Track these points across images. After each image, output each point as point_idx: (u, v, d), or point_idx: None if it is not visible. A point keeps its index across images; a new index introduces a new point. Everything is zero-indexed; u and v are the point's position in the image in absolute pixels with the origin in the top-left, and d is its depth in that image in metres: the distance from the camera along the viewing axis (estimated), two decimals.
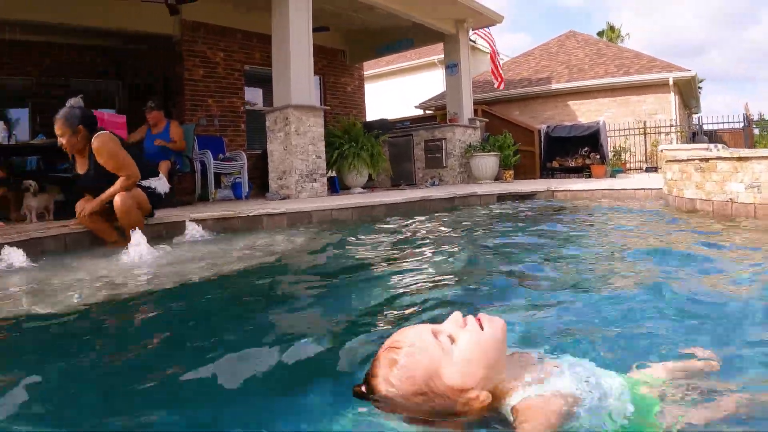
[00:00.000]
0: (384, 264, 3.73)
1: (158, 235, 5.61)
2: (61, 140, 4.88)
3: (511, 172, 12.97)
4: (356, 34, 14.81)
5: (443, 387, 1.30)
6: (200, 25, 11.81)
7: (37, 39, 11.92)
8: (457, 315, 1.39)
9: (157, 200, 5.42)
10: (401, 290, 2.87)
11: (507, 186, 9.87)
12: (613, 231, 5.03)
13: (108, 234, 5.23)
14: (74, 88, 12.11)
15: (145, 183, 5.22)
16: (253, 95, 13.09)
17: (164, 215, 6.00)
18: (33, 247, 4.78)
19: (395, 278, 3.22)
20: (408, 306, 2.50)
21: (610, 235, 4.71)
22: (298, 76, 8.94)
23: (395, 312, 2.44)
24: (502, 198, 8.41)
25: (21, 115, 12.25)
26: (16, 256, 4.32)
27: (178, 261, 4.19)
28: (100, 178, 4.98)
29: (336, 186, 11.02)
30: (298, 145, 8.78)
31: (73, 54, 12.58)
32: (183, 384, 1.71)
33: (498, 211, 7.00)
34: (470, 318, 1.37)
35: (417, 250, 4.19)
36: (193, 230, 5.44)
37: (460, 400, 1.31)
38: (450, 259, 3.72)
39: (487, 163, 12.37)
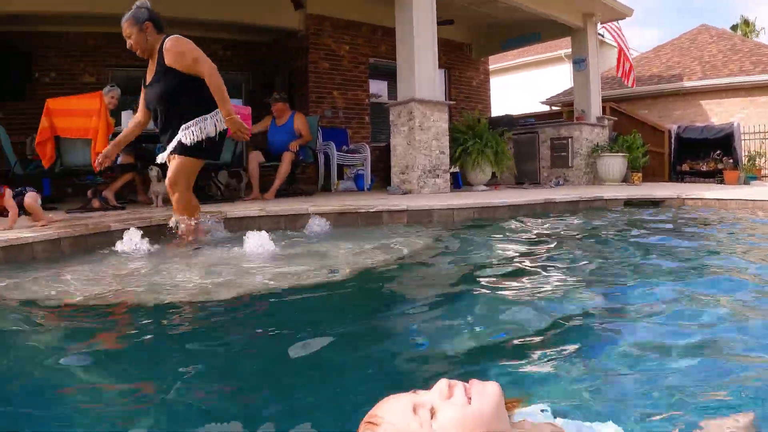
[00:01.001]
0: (507, 271, 3.60)
1: (276, 226, 5.78)
2: (129, 41, 4.82)
3: (639, 174, 12.48)
4: (482, 28, 14.66)
5: None
6: (325, 18, 12.07)
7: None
8: (442, 384, 1.20)
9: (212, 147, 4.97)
10: (521, 304, 2.72)
11: (634, 190, 9.39)
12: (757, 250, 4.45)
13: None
14: None
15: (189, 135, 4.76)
16: (379, 88, 13.24)
17: (285, 207, 6.17)
18: (153, 234, 5.03)
19: (516, 288, 3.10)
20: (527, 323, 2.37)
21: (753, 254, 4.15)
22: (422, 70, 8.92)
23: (512, 328, 2.33)
24: (629, 203, 7.98)
25: None
26: (138, 241, 4.52)
27: (297, 255, 4.18)
28: (168, 83, 4.81)
29: (459, 182, 10.99)
30: (421, 140, 8.77)
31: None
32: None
33: (625, 217, 6.63)
34: (458, 389, 1.18)
35: (540, 258, 4.02)
36: (315, 223, 5.46)
37: None
38: (574, 271, 3.52)
39: (614, 164, 11.98)
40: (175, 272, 3.68)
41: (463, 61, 14.99)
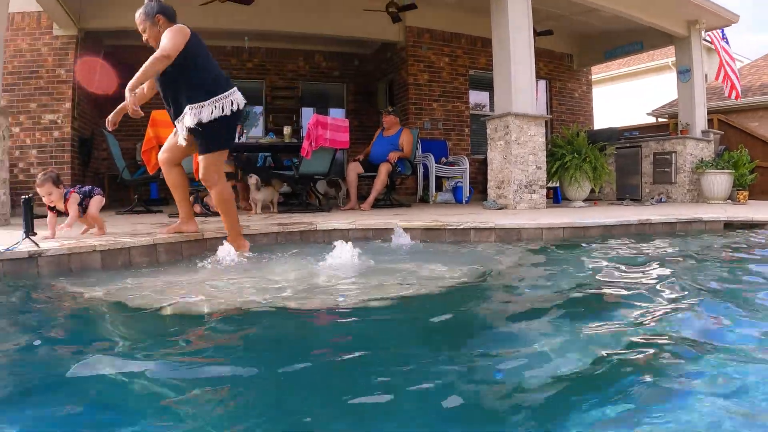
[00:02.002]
0: (589, 298, 3.44)
1: (365, 237, 5.97)
2: (144, 36, 4.99)
3: (746, 192, 12.06)
4: (583, 38, 14.56)
5: None
6: (424, 30, 12.32)
7: (269, 45, 13.39)
8: None
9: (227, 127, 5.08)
10: (603, 335, 2.56)
11: (737, 211, 8.65)
12: None
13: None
14: (303, 90, 13.34)
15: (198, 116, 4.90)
16: (480, 99, 13.30)
17: (374, 221, 6.29)
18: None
19: (597, 317, 2.92)
20: (611, 355, 2.24)
21: None
22: (519, 82, 8.91)
23: (594, 360, 2.20)
24: (729, 226, 7.36)
25: (256, 115, 13.66)
26: (231, 250, 4.76)
27: (378, 270, 4.23)
28: (174, 71, 4.92)
29: (558, 197, 10.98)
30: (518, 154, 8.76)
31: (301, 58, 13.76)
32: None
33: (725, 241, 6.07)
34: None
35: (629, 285, 3.74)
36: (400, 238, 5.56)
37: None
38: (663, 300, 3.23)
39: (719, 181, 11.62)
40: (259, 281, 3.89)
41: (565, 71, 14.89)
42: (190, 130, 4.93)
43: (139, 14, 5.01)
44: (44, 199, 4.99)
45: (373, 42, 13.12)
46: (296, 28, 11.82)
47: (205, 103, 4.90)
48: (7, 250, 4.29)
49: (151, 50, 4.89)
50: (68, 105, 10.78)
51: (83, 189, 5.32)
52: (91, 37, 11.46)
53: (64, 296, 3.63)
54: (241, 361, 2.31)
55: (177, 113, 5.04)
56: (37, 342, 2.61)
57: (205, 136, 4.93)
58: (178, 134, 5.11)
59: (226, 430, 1.66)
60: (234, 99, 5.00)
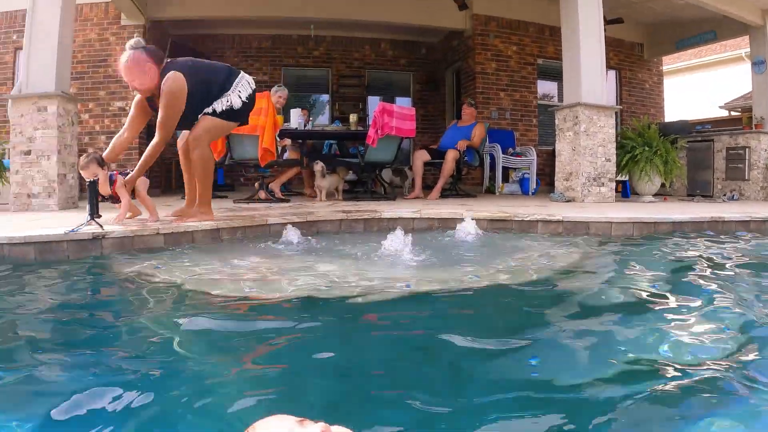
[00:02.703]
0: (656, 296, 3.26)
1: (430, 227, 6.03)
2: (133, 85, 5.03)
3: None
4: (654, 27, 14.23)
5: None
6: (491, 18, 12.25)
7: (335, 34, 13.53)
8: (319, 426, 1.14)
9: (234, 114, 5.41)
10: (665, 337, 2.41)
11: None
12: None
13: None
14: (369, 78, 13.47)
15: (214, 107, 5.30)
16: (549, 89, 13.20)
17: (440, 210, 6.36)
18: (310, 227, 5.56)
19: (660, 318, 2.77)
20: (669, 359, 2.14)
21: None
22: (589, 72, 8.77)
23: (653, 362, 2.11)
24: None
25: (323, 103, 13.84)
26: (294, 235, 5.01)
27: (440, 261, 4.25)
28: (187, 112, 5.14)
29: (627, 191, 10.85)
30: (586, 146, 8.66)
31: (368, 46, 13.86)
32: None
33: None
34: None
35: (697, 285, 3.54)
36: (466, 228, 5.53)
37: None
38: (735, 303, 2.97)
39: None
40: (318, 268, 3.93)
41: (635, 62, 14.59)
42: None
43: (124, 64, 4.98)
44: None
45: (440, 30, 13.14)
46: (362, 16, 11.92)
47: (214, 104, 5.30)
48: (72, 231, 4.45)
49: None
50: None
51: (126, 172, 5.40)
52: (157, 26, 11.73)
53: (133, 278, 3.73)
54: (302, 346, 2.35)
55: (194, 121, 5.34)
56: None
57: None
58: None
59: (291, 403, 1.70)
60: (241, 90, 5.39)
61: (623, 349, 2.27)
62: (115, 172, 5.25)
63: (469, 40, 12.29)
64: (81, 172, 5.05)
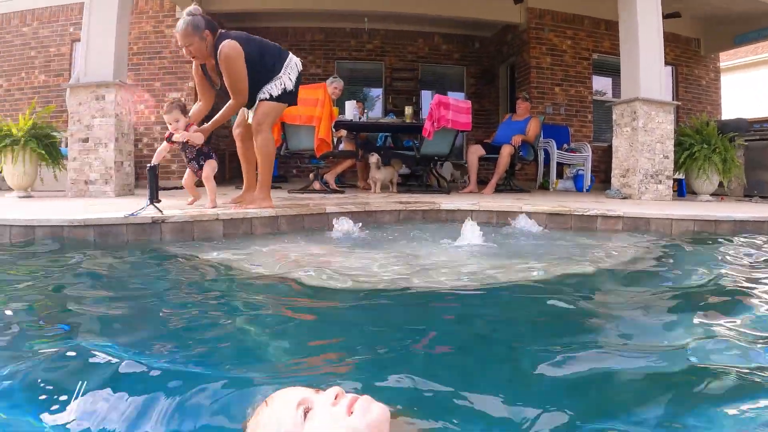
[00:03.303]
0: (720, 297, 3.09)
1: (488, 221, 6.01)
2: (189, 49, 5.18)
3: None
4: (711, 21, 13.93)
5: None
6: (546, 12, 12.20)
7: (389, 27, 13.62)
8: (333, 390, 1.26)
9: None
10: (730, 343, 2.21)
11: None
12: None
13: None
14: (422, 72, 13.53)
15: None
16: (602, 85, 13.08)
17: (499, 203, 6.38)
18: (368, 217, 5.61)
19: (727, 322, 2.59)
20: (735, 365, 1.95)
21: None
22: (647, 67, 8.69)
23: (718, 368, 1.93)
24: None
25: (376, 96, 13.95)
26: (349, 226, 5.07)
27: (501, 253, 4.26)
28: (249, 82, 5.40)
29: (683, 190, 10.73)
30: (644, 142, 8.60)
31: (421, 40, 13.91)
32: None
33: None
34: (344, 399, 1.22)
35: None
36: (526, 221, 5.61)
37: None
38: None
39: None
40: (375, 258, 3.98)
41: (691, 57, 14.37)
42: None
43: (182, 29, 5.16)
44: (170, 127, 5.30)
45: (494, 24, 13.14)
46: (416, 10, 11.97)
47: (281, 76, 5.60)
48: (132, 215, 4.60)
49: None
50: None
51: (204, 150, 5.66)
52: (212, 18, 11.92)
53: (194, 261, 3.87)
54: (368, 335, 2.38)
55: (250, 105, 5.60)
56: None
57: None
58: (247, 113, 5.76)
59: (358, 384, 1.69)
60: (290, 72, 5.68)
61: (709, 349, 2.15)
62: (190, 123, 5.43)
63: (524, 33, 12.26)
64: (164, 116, 5.33)
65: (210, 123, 5.51)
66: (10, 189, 8.50)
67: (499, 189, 9.01)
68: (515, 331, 2.44)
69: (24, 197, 8.02)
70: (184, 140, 5.35)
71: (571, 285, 3.36)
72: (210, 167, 5.63)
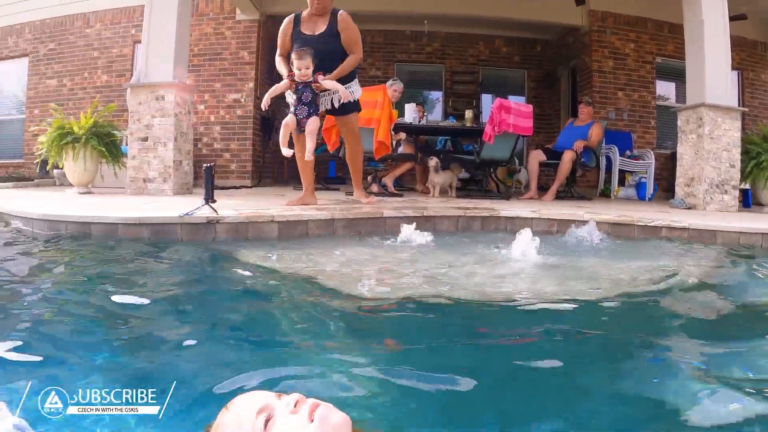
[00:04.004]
0: None
1: (548, 229, 5.91)
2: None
3: None
4: None
5: None
6: (608, 14, 12.01)
7: (449, 30, 13.62)
8: (293, 397, 1.24)
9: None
10: None
11: None
12: None
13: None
14: (483, 75, 13.48)
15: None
16: (665, 89, 12.80)
17: (560, 211, 6.27)
18: (426, 222, 5.54)
19: None
20: None
21: None
22: (713, 71, 8.43)
23: None
24: None
25: (436, 99, 13.95)
26: (408, 232, 4.98)
27: (561, 265, 4.17)
28: (332, 42, 5.97)
29: (748, 200, 10.48)
30: (710, 150, 8.37)
31: (481, 43, 13.86)
32: None
33: None
34: (304, 406, 1.21)
35: None
36: (588, 231, 5.42)
37: None
38: None
39: None
40: (433, 267, 3.96)
41: (758, 61, 13.92)
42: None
43: None
44: (299, 73, 5.73)
45: (555, 26, 13.02)
46: (476, 12, 11.93)
47: (351, 84, 6.16)
48: (186, 214, 4.68)
49: None
50: (251, 85, 11.47)
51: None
52: (272, 21, 12.07)
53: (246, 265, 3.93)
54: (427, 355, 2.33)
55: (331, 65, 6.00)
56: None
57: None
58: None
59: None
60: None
61: None
62: (318, 73, 5.81)
63: (586, 36, 12.11)
64: (296, 61, 5.75)
65: (335, 72, 5.90)
66: (71, 185, 8.76)
67: (560, 196, 8.94)
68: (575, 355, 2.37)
69: (84, 193, 8.29)
70: (316, 84, 5.85)
71: (622, 300, 3.29)
72: (315, 123, 5.96)
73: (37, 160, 9.48)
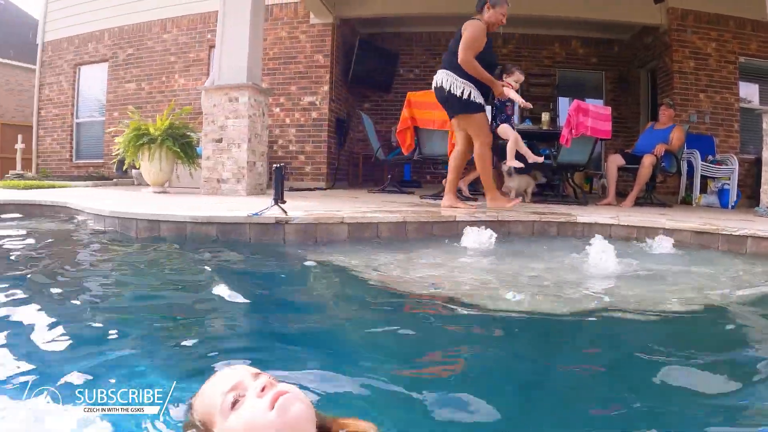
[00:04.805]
0: None
1: (628, 236, 5.71)
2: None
3: None
4: None
5: None
6: (688, 12, 11.66)
7: (523, 31, 13.54)
8: (262, 380, 1.26)
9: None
10: None
11: None
12: None
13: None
14: (559, 78, 13.33)
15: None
16: (748, 91, 12.31)
17: (639, 218, 6.01)
18: (500, 227, 5.47)
19: None
20: None
21: None
22: None
23: None
24: None
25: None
26: (482, 237, 4.85)
27: (642, 275, 3.97)
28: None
29: None
30: None
31: (557, 44, 13.70)
32: None
33: None
34: (270, 392, 1.22)
35: None
36: (670, 239, 5.21)
37: None
38: None
39: None
40: (507, 273, 3.87)
41: None
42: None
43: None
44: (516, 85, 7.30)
45: (632, 26, 12.77)
46: (551, 12, 11.82)
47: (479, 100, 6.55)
48: (255, 214, 4.76)
49: None
50: (326, 88, 11.63)
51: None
52: (345, 24, 12.25)
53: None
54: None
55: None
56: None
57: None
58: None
59: None
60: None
61: None
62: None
63: (665, 36, 11.81)
64: (517, 74, 7.61)
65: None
66: (147, 185, 9.03)
67: (639, 203, 8.73)
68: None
69: (159, 193, 8.62)
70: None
71: (707, 315, 3.13)
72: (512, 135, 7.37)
73: (114, 160, 9.82)
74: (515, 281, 3.69)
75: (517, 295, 3.20)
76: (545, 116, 9.69)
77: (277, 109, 11.84)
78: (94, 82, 14.73)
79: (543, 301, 3.20)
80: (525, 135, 9.92)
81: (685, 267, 4.48)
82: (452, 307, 3.05)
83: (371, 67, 12.92)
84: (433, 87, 6.73)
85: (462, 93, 6.37)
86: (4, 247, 4.46)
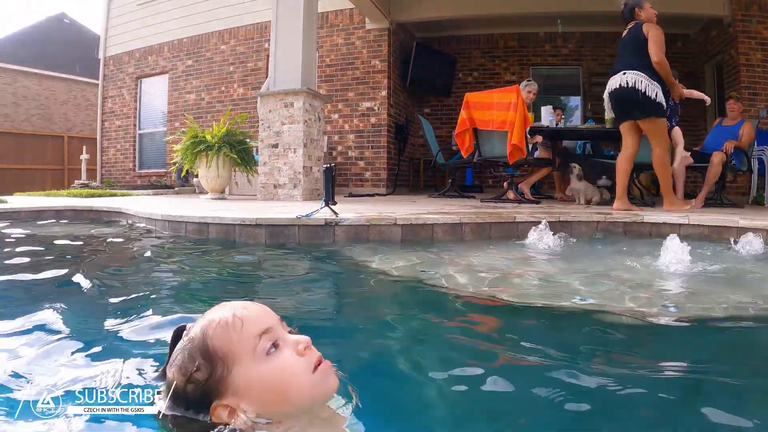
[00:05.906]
0: None
1: (700, 235, 5.47)
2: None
3: None
4: None
5: (225, 377, 1.18)
6: (753, 2, 11.38)
7: (584, 29, 13.41)
8: (305, 341, 1.23)
9: None
10: None
11: None
12: None
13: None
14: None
15: None
16: None
17: (711, 217, 5.73)
18: (562, 227, 5.35)
19: None
20: None
21: None
22: None
23: None
24: None
25: (575, 106, 13.66)
26: (545, 237, 4.70)
27: (717, 279, 3.68)
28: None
29: None
30: None
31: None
32: None
33: None
34: (313, 355, 1.22)
35: None
36: (749, 239, 4.85)
37: (219, 402, 1.18)
38: None
39: None
40: (568, 275, 3.69)
41: None
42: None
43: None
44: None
45: (696, 19, 12.49)
46: (611, 8, 11.55)
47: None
48: (305, 216, 4.78)
49: None
50: (384, 93, 11.67)
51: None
52: (401, 29, 12.27)
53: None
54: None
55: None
56: None
57: None
58: None
59: None
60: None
61: None
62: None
63: (730, 28, 11.55)
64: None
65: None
66: (206, 192, 9.17)
67: (707, 203, 8.48)
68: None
69: (216, 199, 8.77)
70: None
71: None
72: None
73: (172, 168, 10.00)
74: (579, 283, 3.45)
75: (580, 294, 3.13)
76: (609, 115, 9.51)
77: (336, 116, 11.95)
78: (155, 93, 15.15)
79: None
80: (588, 135, 9.84)
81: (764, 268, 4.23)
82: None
83: (429, 71, 12.97)
84: (613, 88, 6.84)
85: (655, 96, 6.46)
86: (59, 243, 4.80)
